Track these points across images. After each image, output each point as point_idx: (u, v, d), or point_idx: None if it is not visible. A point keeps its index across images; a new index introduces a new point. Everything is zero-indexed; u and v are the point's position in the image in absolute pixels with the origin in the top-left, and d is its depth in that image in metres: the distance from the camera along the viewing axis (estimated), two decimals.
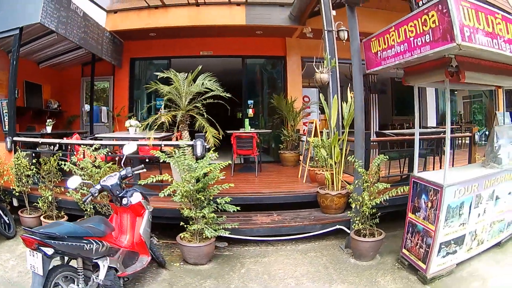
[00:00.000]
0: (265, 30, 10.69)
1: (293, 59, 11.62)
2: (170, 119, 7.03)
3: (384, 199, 5.32)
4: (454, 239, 4.89)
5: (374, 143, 7.83)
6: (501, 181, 5.39)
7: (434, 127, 12.09)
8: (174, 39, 11.28)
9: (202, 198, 5.24)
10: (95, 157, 6.06)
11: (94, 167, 5.82)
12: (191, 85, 7.04)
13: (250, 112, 11.90)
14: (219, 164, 5.41)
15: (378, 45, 5.10)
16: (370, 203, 5.30)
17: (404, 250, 5.34)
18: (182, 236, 5.44)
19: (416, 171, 5.54)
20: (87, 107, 12.01)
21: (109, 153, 6.82)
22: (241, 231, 5.91)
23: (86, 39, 8.96)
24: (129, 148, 5.02)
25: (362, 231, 5.53)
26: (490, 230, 5.43)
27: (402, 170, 7.82)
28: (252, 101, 12.09)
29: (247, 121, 10.13)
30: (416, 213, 5.12)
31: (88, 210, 5.82)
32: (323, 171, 6.95)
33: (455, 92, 15.26)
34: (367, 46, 5.40)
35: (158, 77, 7.28)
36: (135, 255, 4.58)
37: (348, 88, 6.62)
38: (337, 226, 6.16)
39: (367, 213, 5.36)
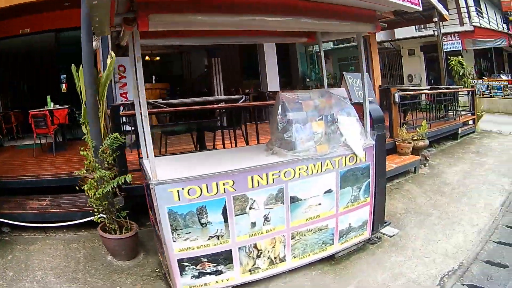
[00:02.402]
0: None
1: None
2: None
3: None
4: (209, 256, 4.19)
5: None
6: (302, 175, 4.59)
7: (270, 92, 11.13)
8: None
9: None
10: None
11: None
12: None
13: (63, 87, 11.79)
14: None
15: None
16: (103, 190, 4.72)
17: (160, 255, 4.84)
18: None
19: (146, 156, 4.43)
20: None
21: None
22: (13, 216, 5.75)
23: None
24: None
25: (108, 225, 5.05)
26: (298, 243, 4.74)
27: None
28: (64, 76, 11.91)
29: (48, 98, 9.98)
30: (151, 211, 4.51)
31: None
32: None
33: None
34: None
35: None
36: None
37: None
38: (91, 218, 5.29)
39: (104, 203, 4.90)
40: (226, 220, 4.17)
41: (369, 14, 4.93)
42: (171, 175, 3.97)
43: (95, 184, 4.89)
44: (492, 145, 12.30)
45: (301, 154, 4.59)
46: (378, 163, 5.45)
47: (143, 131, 4.09)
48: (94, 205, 4.95)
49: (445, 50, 20.90)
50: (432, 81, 22.46)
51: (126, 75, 10.32)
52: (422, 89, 11.11)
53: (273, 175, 4.37)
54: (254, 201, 4.29)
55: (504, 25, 31.11)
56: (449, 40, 22.54)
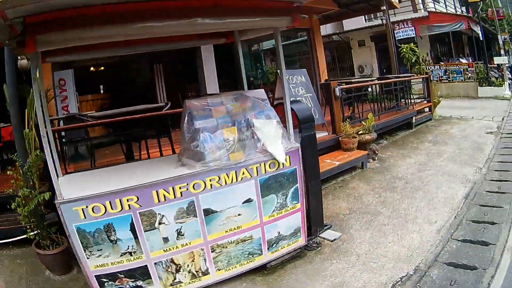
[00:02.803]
0: None
1: None
2: None
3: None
4: (125, 272, 4.10)
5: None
6: (214, 186, 4.37)
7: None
8: None
9: None
10: None
11: None
12: None
13: None
14: None
15: None
16: (28, 208, 4.79)
17: None
18: None
19: (55, 174, 4.13)
20: None
21: None
22: None
23: None
24: None
25: (41, 241, 5.04)
26: (220, 256, 4.56)
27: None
28: None
29: None
30: None
31: None
32: None
33: None
34: None
35: None
36: None
37: None
38: (25, 235, 5.28)
39: (32, 220, 4.94)
40: (136, 237, 4.06)
41: (283, 7, 4.65)
42: (79, 192, 3.90)
43: (23, 202, 4.86)
44: (452, 132, 12.07)
45: (211, 164, 4.33)
46: (309, 165, 5.24)
47: (49, 150, 4.00)
48: (23, 223, 4.99)
49: (398, 38, 21.18)
50: (385, 70, 22.55)
51: (66, 89, 10.41)
52: (367, 81, 10.80)
53: (180, 188, 4.19)
54: (163, 216, 4.14)
55: (463, 8, 31.56)
56: (402, 28, 22.67)
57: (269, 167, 4.69)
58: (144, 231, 4.08)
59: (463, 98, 20.75)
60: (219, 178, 4.40)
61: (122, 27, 3.67)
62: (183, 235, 4.29)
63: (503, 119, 14.23)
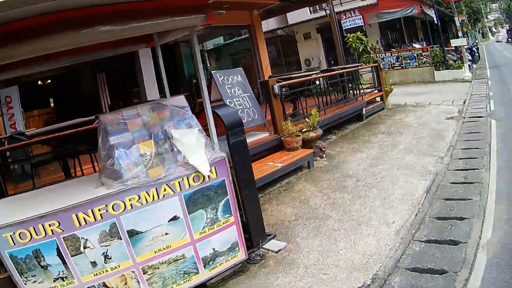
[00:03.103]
0: None
1: None
2: None
3: None
4: None
5: None
6: (135, 206, 4.13)
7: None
8: None
9: None
10: None
11: None
12: None
13: None
14: None
15: None
16: None
17: None
18: None
19: None
20: None
21: None
22: None
23: None
24: None
25: None
26: (154, 277, 4.34)
27: None
28: None
29: None
30: None
31: None
32: None
33: None
34: None
35: None
36: None
37: None
38: None
39: None
40: (64, 262, 3.95)
41: (193, 5, 4.40)
42: (8, 218, 3.82)
43: None
44: (408, 121, 11.81)
45: (129, 182, 4.07)
46: (241, 174, 5.02)
47: None
48: None
49: (345, 28, 21.23)
50: (332, 62, 22.65)
51: (13, 106, 10.23)
52: (310, 74, 10.56)
53: (99, 210, 3.99)
54: (87, 240, 3.98)
55: None
56: (349, 17, 22.76)
57: (193, 181, 4.44)
58: (71, 256, 3.95)
59: (419, 84, 20.94)
60: (139, 197, 4.15)
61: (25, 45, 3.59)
62: (110, 258, 4.11)
63: (464, 102, 14.13)
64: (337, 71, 11.76)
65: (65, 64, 5.70)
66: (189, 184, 4.41)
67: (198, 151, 4.45)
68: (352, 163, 8.31)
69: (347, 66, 12.62)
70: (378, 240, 5.16)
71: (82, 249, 3.95)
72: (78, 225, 3.90)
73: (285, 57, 27.98)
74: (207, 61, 21.76)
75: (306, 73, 10.82)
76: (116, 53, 6.15)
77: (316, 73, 10.75)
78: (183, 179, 4.37)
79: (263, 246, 5.33)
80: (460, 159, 8.01)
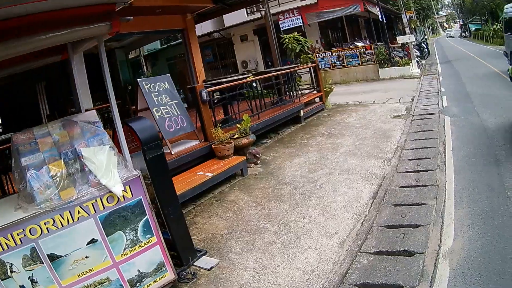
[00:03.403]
0: None
1: None
2: None
3: None
4: None
5: None
6: (51, 229, 4.00)
7: None
8: None
9: None
10: None
11: None
12: None
13: None
14: None
15: None
16: None
17: None
18: None
19: None
20: None
21: None
22: None
23: None
24: None
25: None
26: None
27: None
28: None
29: None
30: None
31: None
32: None
33: None
34: None
35: None
36: None
37: None
38: None
39: None
40: None
41: (95, 13, 4.20)
42: None
43: None
44: (350, 121, 11.61)
45: (43, 205, 3.96)
46: (161, 191, 4.89)
47: None
48: None
49: (284, 29, 21.44)
50: (270, 63, 22.88)
51: None
52: (241, 78, 10.44)
53: (18, 234, 3.88)
54: (12, 264, 3.88)
55: None
56: (287, 17, 23.01)
57: (108, 202, 4.31)
58: (1, 280, 3.85)
59: (363, 82, 21.29)
60: (54, 221, 4.04)
61: None
62: (37, 282, 4.01)
63: (413, 99, 14.21)
64: (271, 73, 11.69)
65: None
66: (103, 206, 4.29)
67: (110, 170, 4.33)
68: (289, 169, 8.02)
69: (282, 68, 12.55)
70: (320, 254, 4.85)
71: (9, 273, 3.85)
72: (1, 249, 3.82)
73: (222, 60, 28.14)
74: (144, 67, 21.51)
75: (238, 77, 10.67)
76: (31, 66, 5.98)
77: (248, 77, 10.61)
78: (96, 200, 4.24)
79: (195, 264, 5.13)
80: (410, 160, 7.77)
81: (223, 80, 9.82)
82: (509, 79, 12.54)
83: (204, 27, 24.18)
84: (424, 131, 9.68)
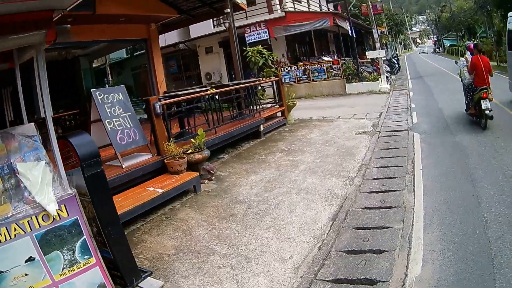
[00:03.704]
0: None
1: None
2: None
3: None
4: None
5: None
6: None
7: None
8: None
9: None
10: None
11: None
12: None
13: None
14: None
15: None
16: None
17: None
18: None
19: None
20: None
21: None
22: None
23: None
24: None
25: None
26: None
27: None
28: None
29: None
30: None
31: None
32: None
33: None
34: None
35: None
36: None
37: None
38: None
39: None
40: None
41: (29, 20, 4.09)
42: None
43: None
44: (312, 137, 11.28)
45: None
46: (101, 210, 4.71)
47: None
48: None
49: (250, 42, 21.53)
50: (234, 76, 23.08)
51: None
52: (199, 91, 10.20)
53: None
54: None
55: (331, 5, 32.93)
56: (254, 30, 23.12)
57: (43, 220, 4.22)
58: None
59: (328, 97, 21.33)
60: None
61: None
62: None
63: (380, 115, 14.02)
64: (231, 87, 11.59)
65: None
66: (39, 224, 4.20)
67: (44, 187, 4.22)
68: (244, 187, 7.71)
69: (242, 81, 12.44)
70: (271, 280, 4.59)
71: None
72: None
73: (186, 71, 28.21)
74: (109, 76, 21.35)
75: (197, 89, 10.52)
76: None
77: (206, 90, 10.50)
78: (31, 218, 4.15)
79: (139, 285, 4.91)
80: (375, 179, 7.47)
81: (179, 92, 9.68)
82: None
83: (169, 38, 24.20)
84: (391, 148, 9.45)
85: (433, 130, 11.04)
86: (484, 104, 10.05)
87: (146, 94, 16.60)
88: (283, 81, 21.58)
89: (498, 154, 8.03)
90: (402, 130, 11.22)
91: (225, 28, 15.14)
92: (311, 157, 9.14)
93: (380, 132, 11.28)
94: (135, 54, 22.87)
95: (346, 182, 7.40)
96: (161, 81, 14.42)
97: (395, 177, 7.40)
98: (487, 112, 10.04)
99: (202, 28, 22.71)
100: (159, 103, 8.07)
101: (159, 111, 8.03)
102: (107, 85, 19.18)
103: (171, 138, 8.28)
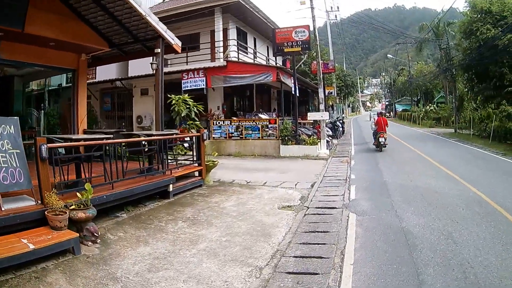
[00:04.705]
0: None
1: None
2: None
3: None
4: None
5: None
6: None
7: None
8: None
9: None
10: None
11: None
12: None
13: None
14: None
15: None
16: None
17: None
18: None
19: None
20: None
21: None
22: None
23: None
24: None
25: None
26: None
27: None
28: None
29: None
30: None
31: None
32: None
33: None
34: None
35: None
36: None
37: None
38: None
39: None
40: None
41: None
42: None
43: None
44: (226, 206, 10.35)
45: None
46: None
47: None
48: None
49: (185, 89, 21.37)
50: (167, 123, 22.97)
51: None
52: (102, 138, 9.32)
53: None
54: None
55: (280, 59, 33.26)
56: (191, 77, 23.01)
57: None
58: None
59: (260, 158, 21.00)
60: None
61: None
62: None
63: (312, 185, 13.02)
64: (140, 138, 11.12)
65: None
66: None
67: None
68: (128, 259, 6.79)
69: (154, 133, 12.04)
70: None
71: None
72: None
73: (120, 111, 27.82)
74: (46, 102, 20.75)
75: (95, 136, 10.11)
76: None
77: (108, 138, 10.02)
78: None
79: None
80: (289, 273, 6.17)
81: (73, 137, 9.24)
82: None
83: (108, 73, 23.85)
84: (318, 232, 8.10)
85: (373, 211, 9.78)
86: (381, 139, 23.31)
87: (66, 129, 16.14)
88: (213, 136, 21.47)
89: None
90: (335, 208, 9.99)
91: (165, 71, 14.97)
92: (217, 233, 8.09)
93: (308, 208, 10.07)
94: (65, 86, 22.44)
95: (251, 274, 6.18)
96: (82, 118, 13.95)
97: (316, 273, 6.14)
98: (382, 143, 23.12)
99: (141, 68, 22.29)
100: (45, 145, 7.52)
101: (44, 155, 7.44)
102: (43, 111, 18.54)
103: (54, 188, 7.57)
